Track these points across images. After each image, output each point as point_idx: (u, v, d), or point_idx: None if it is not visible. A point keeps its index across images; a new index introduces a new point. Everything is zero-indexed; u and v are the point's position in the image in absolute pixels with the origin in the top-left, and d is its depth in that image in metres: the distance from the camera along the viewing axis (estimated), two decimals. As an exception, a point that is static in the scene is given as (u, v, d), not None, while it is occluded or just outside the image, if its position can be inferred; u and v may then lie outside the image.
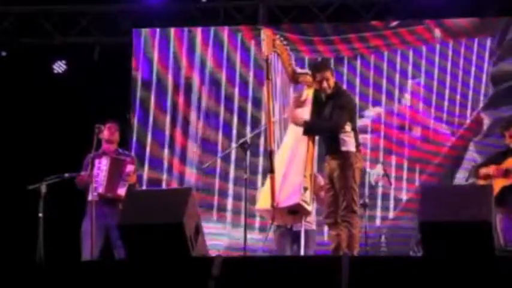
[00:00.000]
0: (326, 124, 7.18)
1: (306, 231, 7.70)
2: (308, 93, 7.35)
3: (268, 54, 7.11)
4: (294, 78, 7.31)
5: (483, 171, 8.19)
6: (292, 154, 7.13)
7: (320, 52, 10.70)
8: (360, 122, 9.84)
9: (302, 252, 7.49)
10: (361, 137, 9.21)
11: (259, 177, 10.21)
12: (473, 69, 10.42)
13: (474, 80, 10.39)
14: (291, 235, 8.32)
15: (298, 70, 7.41)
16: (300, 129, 7.16)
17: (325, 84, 7.18)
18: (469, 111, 10.38)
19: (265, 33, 7.17)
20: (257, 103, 10.73)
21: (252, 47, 10.89)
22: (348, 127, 7.14)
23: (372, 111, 10.52)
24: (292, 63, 7.29)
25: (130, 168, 8.39)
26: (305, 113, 7.24)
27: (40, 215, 8.15)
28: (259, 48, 10.07)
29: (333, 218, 7.14)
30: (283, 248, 8.33)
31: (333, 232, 7.14)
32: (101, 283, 5.85)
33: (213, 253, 7.13)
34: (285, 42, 7.26)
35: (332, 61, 10.28)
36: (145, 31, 11.13)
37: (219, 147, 10.77)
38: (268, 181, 7.08)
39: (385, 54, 10.66)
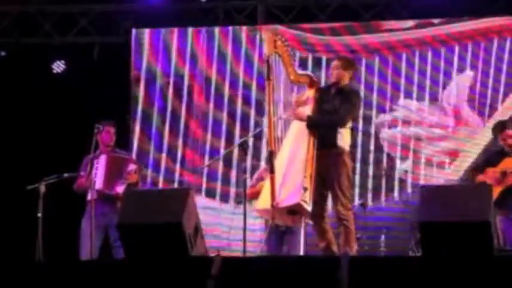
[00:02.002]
0: (330, 117, 7.18)
1: (296, 229, 7.75)
2: (309, 94, 7.35)
3: (270, 54, 7.12)
4: (295, 79, 7.31)
5: (480, 177, 8.17)
6: (293, 154, 7.13)
7: (319, 52, 10.74)
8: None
9: (301, 251, 7.50)
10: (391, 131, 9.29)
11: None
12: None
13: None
14: (278, 235, 8.31)
15: (299, 71, 7.42)
16: (301, 130, 7.16)
17: (334, 71, 7.30)
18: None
19: (267, 34, 7.18)
20: (256, 103, 10.75)
21: (251, 47, 10.92)
22: (348, 123, 7.17)
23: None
24: (293, 64, 7.28)
25: (132, 167, 8.39)
26: (307, 112, 7.25)
27: (39, 214, 8.15)
28: (260, 49, 10.16)
29: (319, 215, 7.17)
30: (272, 248, 8.29)
31: (320, 229, 7.16)
32: (100, 283, 5.85)
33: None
34: (286, 43, 7.26)
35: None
36: (144, 31, 11.13)
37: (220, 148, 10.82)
38: (268, 181, 7.08)
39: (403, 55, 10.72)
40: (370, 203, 10.16)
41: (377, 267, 5.61)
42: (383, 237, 9.53)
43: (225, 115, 10.89)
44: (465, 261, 5.45)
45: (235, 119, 10.86)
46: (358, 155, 10.37)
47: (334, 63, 7.38)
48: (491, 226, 5.54)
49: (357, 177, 10.31)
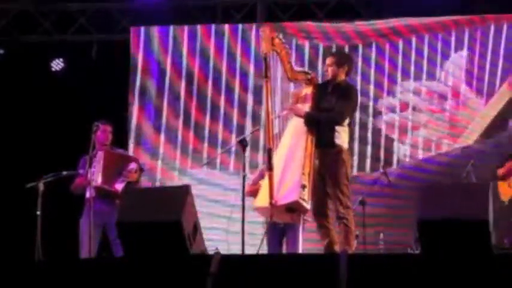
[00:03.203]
0: (328, 114, 7.19)
1: (295, 227, 7.76)
2: (307, 92, 7.36)
3: (267, 52, 7.11)
4: (293, 77, 7.31)
5: (501, 171, 8.14)
6: (291, 152, 7.13)
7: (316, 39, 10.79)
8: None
9: (300, 249, 7.49)
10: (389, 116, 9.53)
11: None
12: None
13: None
14: (277, 232, 8.30)
15: (297, 68, 7.42)
16: (299, 127, 7.17)
17: (328, 68, 7.31)
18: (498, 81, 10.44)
19: (264, 32, 7.18)
20: (258, 98, 10.78)
21: (253, 43, 10.95)
22: (346, 120, 7.18)
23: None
24: (291, 62, 7.29)
25: (133, 165, 8.38)
26: (305, 109, 7.25)
27: (38, 212, 8.16)
28: (258, 46, 10.17)
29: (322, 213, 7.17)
30: (271, 245, 8.29)
31: (322, 228, 7.16)
32: (99, 281, 5.85)
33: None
34: (283, 41, 7.26)
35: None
36: (143, 29, 11.14)
37: (220, 143, 10.85)
38: (266, 179, 7.08)
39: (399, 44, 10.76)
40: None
41: (376, 265, 5.61)
42: (382, 235, 9.54)
43: (222, 103, 10.94)
44: (464, 260, 5.45)
45: (233, 105, 10.93)
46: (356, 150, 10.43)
47: (328, 60, 7.39)
48: (488, 224, 5.55)
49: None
